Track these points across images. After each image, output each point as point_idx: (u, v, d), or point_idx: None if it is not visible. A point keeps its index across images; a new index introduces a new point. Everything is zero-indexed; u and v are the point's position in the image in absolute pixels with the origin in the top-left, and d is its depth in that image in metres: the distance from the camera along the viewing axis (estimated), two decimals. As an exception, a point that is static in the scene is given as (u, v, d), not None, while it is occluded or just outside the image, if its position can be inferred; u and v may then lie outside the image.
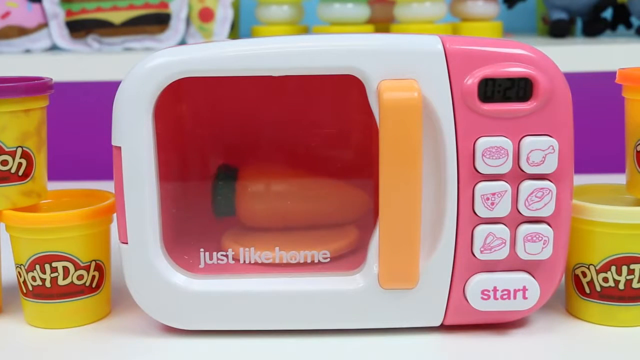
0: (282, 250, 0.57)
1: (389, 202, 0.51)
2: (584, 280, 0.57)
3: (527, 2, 1.12)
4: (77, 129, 1.11)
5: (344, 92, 0.62)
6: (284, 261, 0.57)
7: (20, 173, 0.59)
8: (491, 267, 0.54)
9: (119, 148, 0.53)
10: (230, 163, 0.63)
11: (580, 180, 0.61)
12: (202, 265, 0.57)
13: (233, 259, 0.57)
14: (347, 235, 0.61)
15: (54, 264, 0.57)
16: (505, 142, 0.51)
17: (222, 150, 0.66)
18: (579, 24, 1.08)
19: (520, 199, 0.52)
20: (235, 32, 1.04)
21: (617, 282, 0.56)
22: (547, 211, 0.53)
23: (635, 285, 0.56)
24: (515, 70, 0.51)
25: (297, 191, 0.63)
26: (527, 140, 0.52)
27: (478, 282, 0.54)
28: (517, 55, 0.52)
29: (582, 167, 0.82)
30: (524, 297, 0.54)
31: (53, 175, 0.68)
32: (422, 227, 0.53)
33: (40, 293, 0.58)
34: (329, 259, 0.57)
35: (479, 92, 0.51)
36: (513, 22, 1.17)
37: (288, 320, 0.56)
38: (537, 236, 0.53)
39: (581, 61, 0.89)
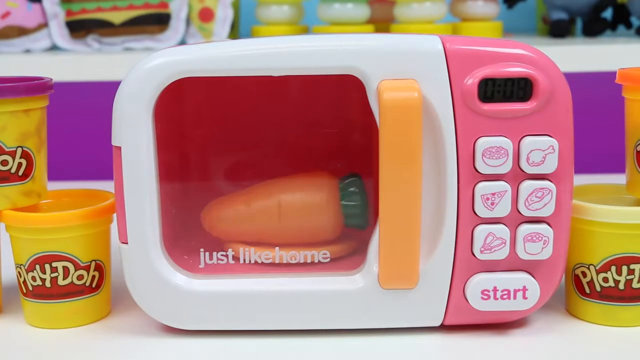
0: (282, 250, 0.57)
1: (389, 202, 0.51)
2: (584, 280, 0.57)
3: (527, 2, 1.12)
4: (77, 129, 1.11)
5: (344, 92, 0.62)
6: (284, 261, 0.57)
7: (20, 173, 0.59)
8: (491, 267, 0.54)
9: (119, 148, 0.53)
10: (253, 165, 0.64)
11: (580, 180, 0.61)
12: (202, 265, 0.57)
13: (233, 259, 0.57)
14: (347, 235, 0.61)
15: (54, 264, 0.57)
16: (505, 142, 0.51)
17: (222, 150, 0.66)
18: (579, 24, 1.08)
19: (520, 199, 0.52)
20: (235, 32, 1.04)
21: (617, 282, 0.56)
22: (547, 211, 0.53)
23: (635, 285, 0.56)
24: (515, 70, 0.51)
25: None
26: (527, 140, 0.52)
27: (478, 282, 0.54)
28: (517, 55, 0.52)
29: (582, 167, 0.82)
30: (524, 297, 0.54)
31: (53, 175, 0.68)
32: (422, 227, 0.53)
33: (40, 293, 0.58)
34: (329, 259, 0.57)
35: (479, 92, 0.51)
36: (513, 22, 1.17)
37: (288, 320, 0.56)
38: (537, 236, 0.53)
39: (581, 61, 0.89)
